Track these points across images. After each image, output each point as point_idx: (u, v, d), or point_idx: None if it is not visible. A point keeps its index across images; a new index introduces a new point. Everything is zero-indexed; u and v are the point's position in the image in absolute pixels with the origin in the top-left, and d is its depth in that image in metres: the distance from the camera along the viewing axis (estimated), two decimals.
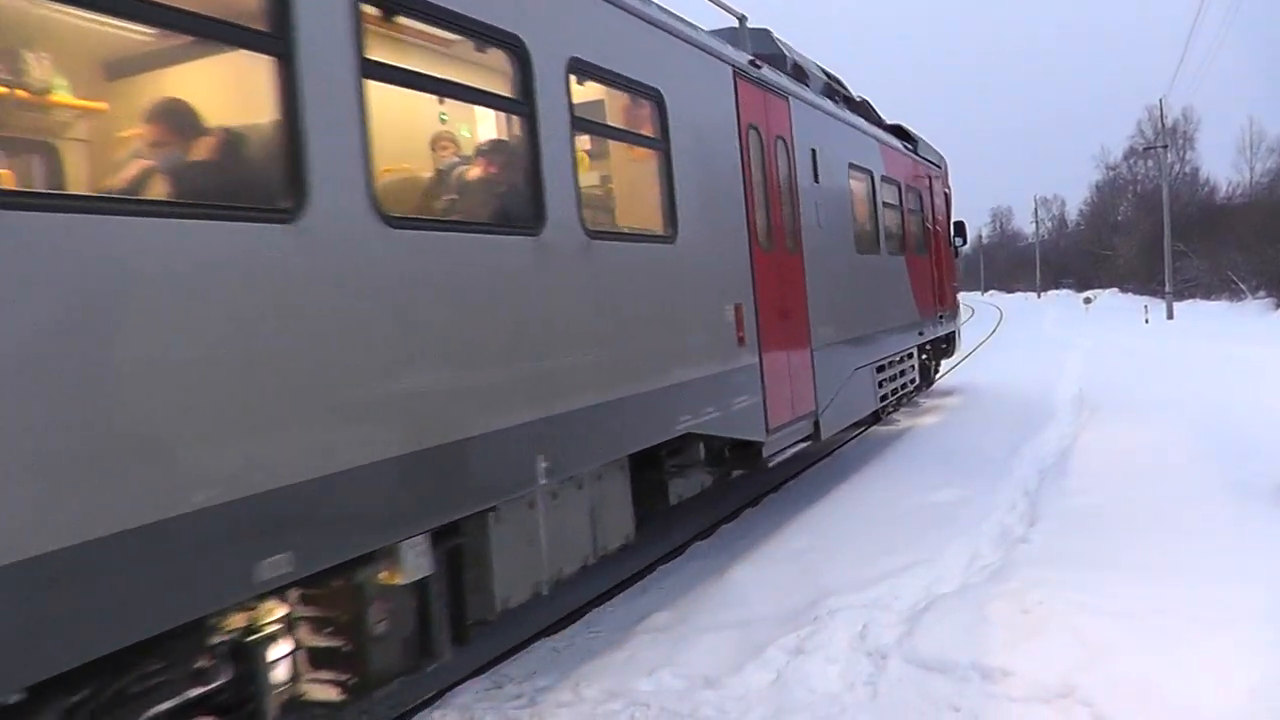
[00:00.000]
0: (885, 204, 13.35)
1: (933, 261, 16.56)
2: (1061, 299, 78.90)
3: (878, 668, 5.60)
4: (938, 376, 18.70)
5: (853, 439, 14.47)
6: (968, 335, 38.37)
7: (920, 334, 15.19)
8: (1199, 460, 10.41)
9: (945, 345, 18.14)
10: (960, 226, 19.72)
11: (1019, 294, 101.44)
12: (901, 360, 13.89)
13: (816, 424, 9.62)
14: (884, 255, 13.27)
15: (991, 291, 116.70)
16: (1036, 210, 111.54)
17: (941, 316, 16.96)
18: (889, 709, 5.13)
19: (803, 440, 9.30)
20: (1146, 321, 41.38)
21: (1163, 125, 58.99)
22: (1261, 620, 5.62)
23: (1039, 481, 10.12)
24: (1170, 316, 45.03)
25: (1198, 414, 13.24)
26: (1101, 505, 8.62)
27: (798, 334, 9.39)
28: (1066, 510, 8.56)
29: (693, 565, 8.36)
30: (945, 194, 18.77)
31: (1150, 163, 67.89)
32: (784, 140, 9.60)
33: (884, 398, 12.90)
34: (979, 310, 64.94)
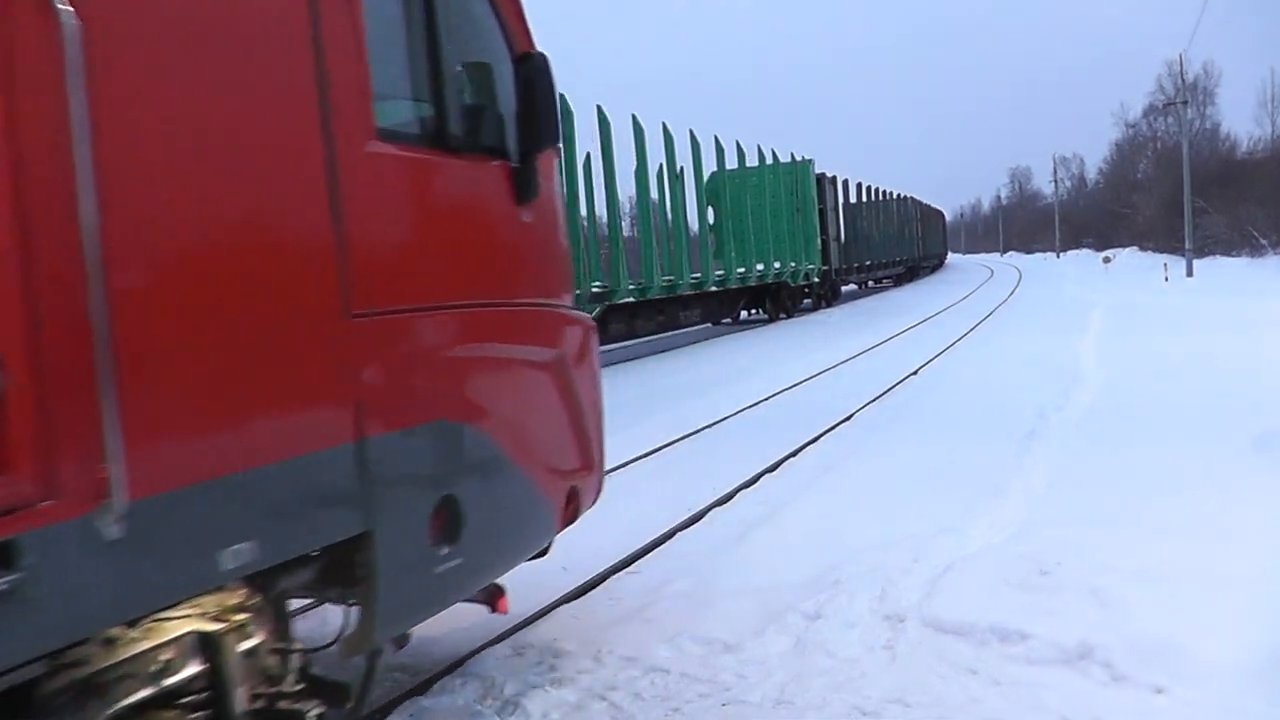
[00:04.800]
0: None
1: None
2: (1081, 258, 78.29)
3: (896, 631, 5.61)
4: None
5: None
6: (986, 298, 38.24)
7: None
8: (1220, 416, 10.35)
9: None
10: (532, 95, 4.52)
11: (1038, 254, 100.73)
12: None
13: None
14: None
15: (1011, 252, 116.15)
16: (1055, 170, 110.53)
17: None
18: (907, 673, 5.13)
19: None
20: (1166, 279, 41.03)
21: (1183, 81, 58.16)
22: None
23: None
24: (1190, 274, 44.61)
25: (1218, 369, 13.14)
26: (1120, 462, 8.59)
27: None
28: (1084, 467, 8.53)
29: (712, 531, 8.37)
30: None
31: (1170, 119, 67.11)
32: None
33: None
34: (998, 271, 64.83)
